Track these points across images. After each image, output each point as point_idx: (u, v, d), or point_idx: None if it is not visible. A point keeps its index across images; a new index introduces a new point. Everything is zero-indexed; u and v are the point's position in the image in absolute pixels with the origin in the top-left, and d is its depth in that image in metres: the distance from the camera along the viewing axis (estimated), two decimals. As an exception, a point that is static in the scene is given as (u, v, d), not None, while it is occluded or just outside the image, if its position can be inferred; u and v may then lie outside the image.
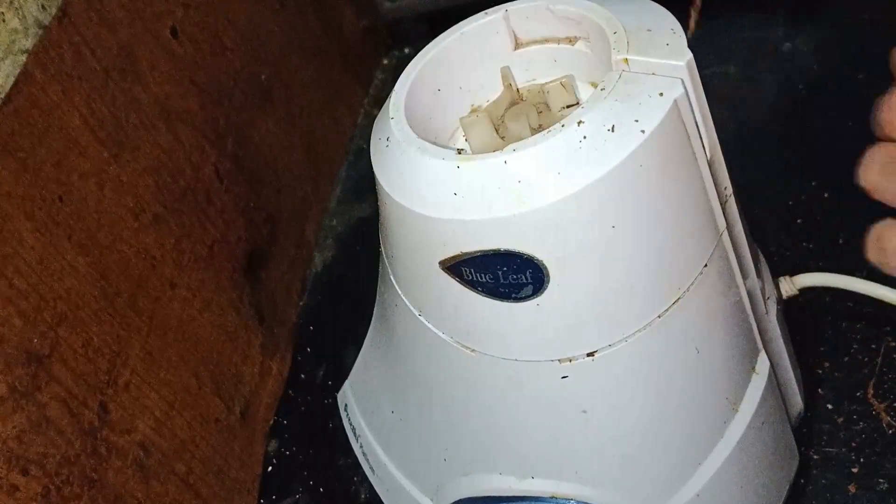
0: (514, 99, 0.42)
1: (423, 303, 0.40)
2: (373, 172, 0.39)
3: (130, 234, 0.52)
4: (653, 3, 0.39)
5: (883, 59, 0.69)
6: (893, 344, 0.53)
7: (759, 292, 0.44)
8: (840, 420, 0.51)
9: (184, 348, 0.55)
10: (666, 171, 0.35)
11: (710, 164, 0.38)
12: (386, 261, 0.42)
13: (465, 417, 0.43)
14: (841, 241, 0.59)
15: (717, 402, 0.42)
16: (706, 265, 0.38)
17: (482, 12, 0.42)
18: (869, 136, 0.66)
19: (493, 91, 0.43)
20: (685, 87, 0.35)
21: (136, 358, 0.51)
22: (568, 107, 0.39)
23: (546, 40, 0.42)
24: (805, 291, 0.53)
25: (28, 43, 0.46)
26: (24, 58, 0.46)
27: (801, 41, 0.73)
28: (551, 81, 0.40)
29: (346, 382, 0.57)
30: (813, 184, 0.63)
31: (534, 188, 0.34)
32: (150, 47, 0.56)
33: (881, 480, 0.48)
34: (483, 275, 0.36)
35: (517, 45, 0.42)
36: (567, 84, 0.39)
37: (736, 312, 0.41)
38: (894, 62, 0.40)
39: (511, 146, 0.34)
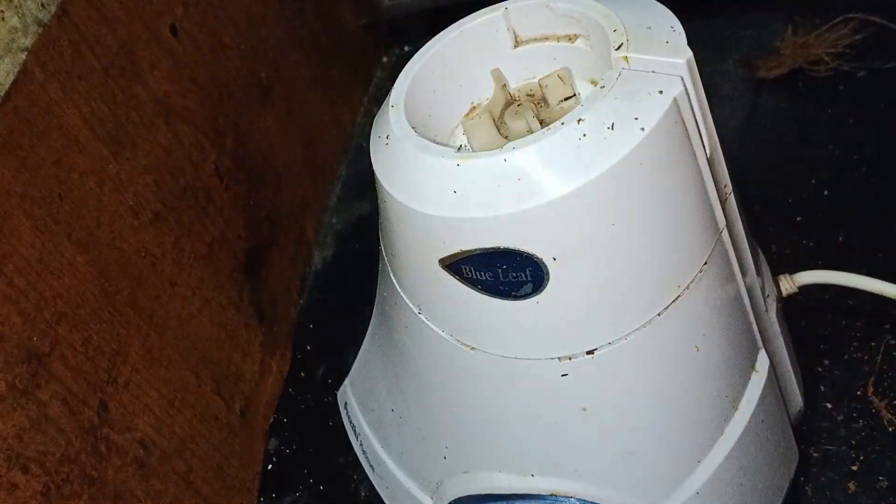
0: (508, 100, 0.42)
1: (423, 301, 0.40)
2: (372, 170, 0.39)
3: (130, 233, 0.52)
4: (653, 0, 0.39)
5: (879, 55, 0.70)
6: (893, 342, 0.53)
7: (758, 290, 0.44)
8: (840, 418, 0.51)
9: (183, 346, 0.55)
10: (665, 168, 0.35)
11: (710, 162, 0.38)
12: (385, 259, 0.42)
13: (464, 415, 0.43)
14: (840, 239, 0.59)
15: (717, 399, 0.42)
16: (706, 263, 0.38)
17: (482, 10, 0.42)
18: (868, 132, 0.67)
19: (493, 89, 0.43)
20: (685, 85, 0.35)
21: (135, 356, 0.51)
22: (566, 99, 0.39)
23: (546, 38, 0.42)
24: (805, 289, 0.53)
25: (28, 41, 0.46)
26: (23, 56, 0.45)
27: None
28: (548, 75, 0.40)
29: (346, 380, 0.57)
30: (812, 182, 0.63)
31: (533, 186, 0.34)
32: (150, 45, 0.56)
33: (881, 478, 0.48)
34: (483, 273, 0.36)
35: (517, 42, 0.42)
36: (564, 76, 0.39)
37: (736, 310, 0.41)
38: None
39: (511, 144, 0.34)
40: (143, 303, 0.52)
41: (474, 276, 0.36)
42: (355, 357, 0.55)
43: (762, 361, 0.44)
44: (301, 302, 0.71)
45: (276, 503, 0.60)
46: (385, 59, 0.92)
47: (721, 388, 0.41)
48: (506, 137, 0.40)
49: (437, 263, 0.37)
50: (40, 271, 0.45)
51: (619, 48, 0.36)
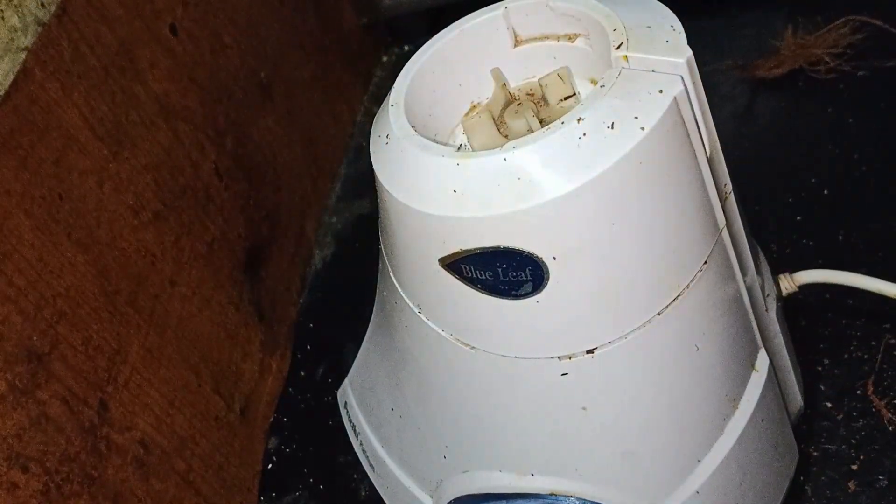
0: (508, 99, 0.42)
1: (423, 300, 0.40)
2: (372, 170, 0.39)
3: (130, 232, 0.52)
4: (653, 0, 0.39)
5: (879, 55, 0.69)
6: (893, 341, 0.53)
7: (758, 289, 0.44)
8: (840, 417, 0.51)
9: (183, 346, 0.55)
10: (665, 168, 0.35)
11: (710, 162, 0.38)
12: (385, 258, 0.42)
13: (464, 414, 0.43)
14: (840, 238, 0.59)
15: (717, 399, 0.42)
16: (706, 262, 0.38)
17: (482, 9, 0.42)
18: (868, 132, 0.67)
19: (493, 88, 0.43)
20: (685, 85, 0.35)
21: (135, 355, 0.51)
22: (566, 98, 0.39)
23: (546, 37, 0.42)
24: (805, 288, 0.53)
25: (27, 40, 0.46)
26: (23, 55, 0.46)
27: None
28: (548, 75, 0.40)
29: (346, 380, 0.57)
30: (812, 181, 0.63)
31: (533, 185, 0.34)
32: (150, 45, 0.56)
33: (881, 477, 0.48)
34: (483, 272, 0.36)
35: (517, 42, 0.42)
36: (563, 75, 0.39)
37: (735, 310, 0.41)
38: None
39: (511, 143, 0.34)
40: (142, 302, 0.52)
41: (474, 276, 0.36)
42: (355, 357, 0.55)
43: (762, 360, 0.44)
44: (301, 302, 0.71)
45: (276, 503, 0.60)
46: (385, 59, 0.92)
47: (721, 387, 0.41)
48: (506, 137, 0.40)
49: (437, 263, 0.37)
50: (40, 271, 0.45)
51: (619, 47, 0.36)
